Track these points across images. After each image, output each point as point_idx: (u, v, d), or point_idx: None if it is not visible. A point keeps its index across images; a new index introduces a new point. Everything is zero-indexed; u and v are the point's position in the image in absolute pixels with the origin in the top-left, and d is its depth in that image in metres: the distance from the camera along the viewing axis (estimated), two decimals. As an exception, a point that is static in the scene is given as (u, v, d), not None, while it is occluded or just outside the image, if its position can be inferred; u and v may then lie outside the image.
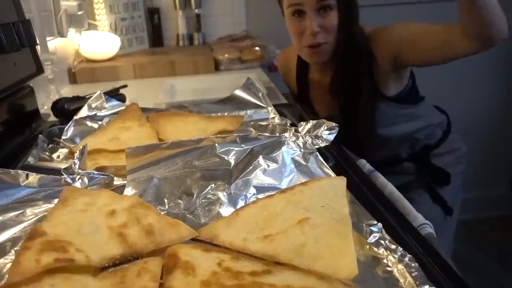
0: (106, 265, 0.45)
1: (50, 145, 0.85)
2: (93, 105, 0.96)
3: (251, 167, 0.66)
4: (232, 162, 0.66)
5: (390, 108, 1.23)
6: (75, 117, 0.91)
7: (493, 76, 2.37)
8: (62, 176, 0.63)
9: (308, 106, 1.38)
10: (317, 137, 0.73)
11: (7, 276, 0.44)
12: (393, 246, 0.46)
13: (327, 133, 0.73)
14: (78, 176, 0.63)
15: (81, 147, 0.68)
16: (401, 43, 1.13)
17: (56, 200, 0.57)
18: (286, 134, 0.73)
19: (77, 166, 0.64)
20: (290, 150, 0.69)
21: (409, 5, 2.16)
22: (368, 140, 1.25)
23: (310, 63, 1.31)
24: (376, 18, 1.36)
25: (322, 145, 0.72)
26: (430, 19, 1.15)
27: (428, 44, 1.09)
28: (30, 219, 0.56)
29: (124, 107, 0.96)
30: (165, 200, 0.60)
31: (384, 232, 0.49)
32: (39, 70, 1.07)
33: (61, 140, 0.84)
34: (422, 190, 1.31)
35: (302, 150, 0.70)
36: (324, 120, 0.75)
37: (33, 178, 0.62)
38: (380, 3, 2.13)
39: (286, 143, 0.70)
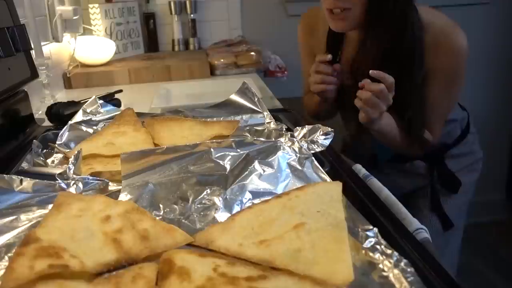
0: (101, 271, 0.45)
1: (45, 150, 0.84)
2: (88, 110, 0.96)
3: (246, 172, 0.66)
4: (228, 167, 0.66)
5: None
6: (70, 122, 0.90)
7: (489, 82, 2.38)
8: (57, 182, 0.63)
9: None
10: (312, 142, 0.73)
11: (0, 282, 0.43)
12: (389, 251, 0.46)
13: (322, 138, 0.74)
14: (73, 182, 0.63)
15: (76, 152, 0.68)
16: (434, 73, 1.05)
17: (50, 206, 0.57)
18: (282, 139, 0.73)
19: (71, 171, 0.64)
20: (285, 155, 0.69)
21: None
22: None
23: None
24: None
25: (318, 150, 0.72)
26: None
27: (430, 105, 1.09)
28: (24, 224, 0.56)
29: (119, 112, 0.96)
30: (161, 206, 0.60)
31: (380, 237, 0.49)
32: (34, 75, 1.07)
33: (56, 145, 0.83)
34: (426, 199, 1.25)
35: (298, 155, 0.70)
36: (319, 125, 0.75)
37: (27, 183, 0.62)
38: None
39: (281, 148, 0.70)
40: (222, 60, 1.76)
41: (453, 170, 1.24)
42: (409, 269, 0.44)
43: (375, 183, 0.70)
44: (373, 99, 0.95)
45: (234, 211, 0.59)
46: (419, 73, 1.05)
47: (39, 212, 0.58)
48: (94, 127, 0.92)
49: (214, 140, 0.70)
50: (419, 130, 1.09)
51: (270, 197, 0.59)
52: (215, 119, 0.95)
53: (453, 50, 1.05)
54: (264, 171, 0.66)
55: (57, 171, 0.65)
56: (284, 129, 0.87)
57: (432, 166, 1.24)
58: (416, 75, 1.05)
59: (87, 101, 0.98)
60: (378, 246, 0.47)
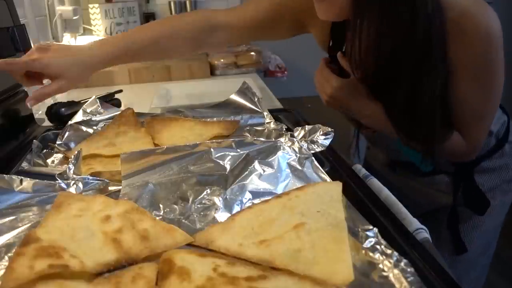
0: (101, 271, 0.45)
1: (45, 150, 0.84)
2: (88, 110, 0.96)
3: (246, 172, 0.66)
4: (228, 167, 0.66)
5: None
6: (70, 122, 0.90)
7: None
8: (57, 182, 0.63)
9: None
10: (312, 142, 0.73)
11: (0, 282, 0.43)
12: (389, 251, 0.46)
13: (322, 138, 0.73)
14: (73, 182, 0.63)
15: (76, 152, 0.68)
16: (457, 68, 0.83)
17: (50, 206, 0.57)
18: (282, 139, 0.73)
19: (71, 171, 0.64)
20: (285, 155, 0.69)
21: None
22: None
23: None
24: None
25: (318, 150, 0.72)
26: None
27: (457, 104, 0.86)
28: (24, 224, 0.56)
29: (119, 112, 0.96)
30: (161, 206, 0.60)
31: (379, 237, 0.49)
32: (34, 75, 1.07)
33: (56, 145, 0.83)
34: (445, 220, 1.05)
35: (298, 155, 0.70)
36: (319, 125, 0.75)
37: (27, 183, 0.62)
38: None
39: (281, 148, 0.70)
40: (222, 60, 1.76)
41: (483, 188, 1.02)
42: (409, 269, 0.44)
43: (375, 183, 0.70)
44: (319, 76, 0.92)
45: (234, 211, 0.59)
46: (441, 67, 0.82)
47: (39, 212, 0.58)
48: (94, 127, 0.92)
49: (214, 140, 0.70)
50: (432, 144, 0.88)
51: (270, 197, 0.59)
52: (215, 119, 0.95)
53: (479, 33, 0.81)
54: (264, 171, 0.66)
55: (57, 171, 0.65)
56: (284, 129, 0.87)
57: (458, 182, 1.01)
58: (438, 69, 0.82)
59: (87, 101, 0.98)
60: (378, 246, 0.47)
